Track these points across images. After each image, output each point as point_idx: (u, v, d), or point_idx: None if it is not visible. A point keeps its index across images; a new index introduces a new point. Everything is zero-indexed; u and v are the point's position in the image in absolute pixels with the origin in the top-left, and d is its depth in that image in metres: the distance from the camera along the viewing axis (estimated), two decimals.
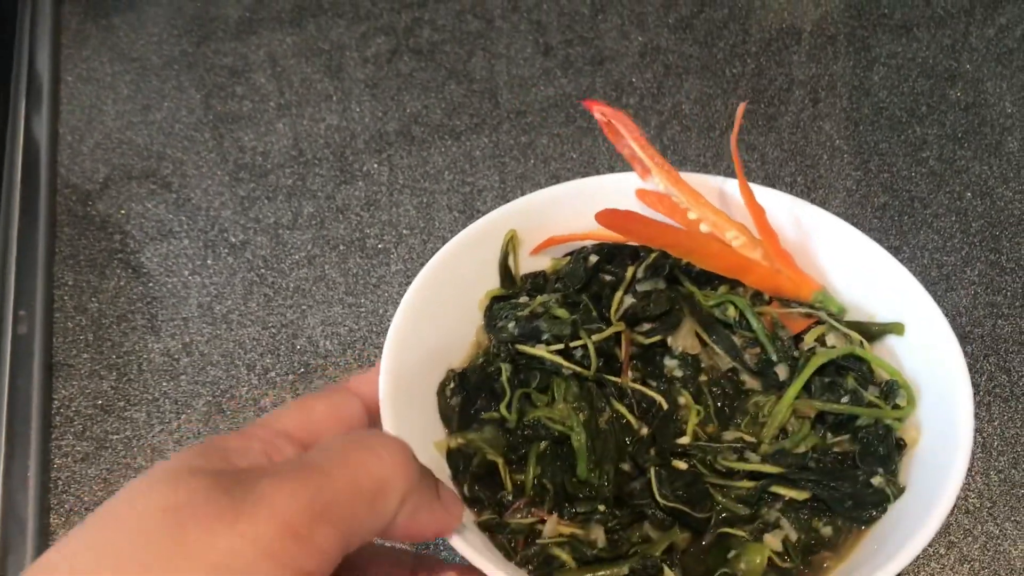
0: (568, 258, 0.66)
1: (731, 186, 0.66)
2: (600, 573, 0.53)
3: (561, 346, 0.60)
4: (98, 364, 0.74)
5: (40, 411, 0.70)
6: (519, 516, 0.55)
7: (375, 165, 0.88)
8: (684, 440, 0.58)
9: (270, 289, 0.78)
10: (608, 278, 0.65)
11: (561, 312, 0.62)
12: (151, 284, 0.79)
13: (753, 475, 0.56)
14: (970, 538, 0.62)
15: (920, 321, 0.59)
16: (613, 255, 0.66)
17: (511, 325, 0.61)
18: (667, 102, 0.92)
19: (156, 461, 0.68)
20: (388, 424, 0.53)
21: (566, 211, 0.66)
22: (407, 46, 1.00)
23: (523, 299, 0.63)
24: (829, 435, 0.58)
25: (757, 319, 0.62)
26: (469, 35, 1.01)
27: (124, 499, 0.40)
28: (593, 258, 0.65)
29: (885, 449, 0.56)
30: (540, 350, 0.60)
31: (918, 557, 0.59)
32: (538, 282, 0.66)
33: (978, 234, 0.79)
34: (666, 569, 0.53)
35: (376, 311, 0.76)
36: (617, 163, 0.83)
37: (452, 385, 0.60)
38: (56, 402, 0.71)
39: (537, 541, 0.54)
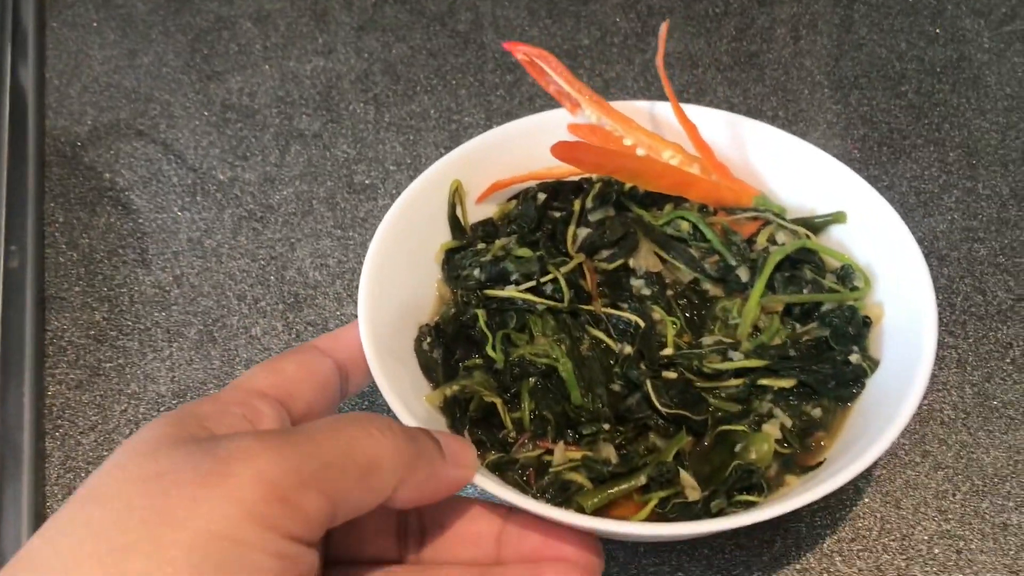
0: (514, 202, 0.68)
1: (661, 108, 0.69)
2: (620, 487, 0.55)
3: (532, 283, 0.62)
4: (90, 296, 0.75)
5: (33, 341, 0.71)
6: (525, 450, 0.57)
7: (361, 104, 0.89)
8: (668, 352, 0.60)
9: (259, 223, 0.79)
10: (558, 214, 0.67)
11: (524, 251, 0.64)
12: (141, 220, 0.80)
13: (739, 373, 0.59)
14: (944, 447, 0.64)
15: (860, 207, 0.63)
16: (558, 192, 0.68)
17: (476, 272, 0.63)
18: (651, 40, 0.93)
19: (148, 387, 0.69)
20: (381, 381, 0.54)
21: (504, 155, 0.67)
22: None
23: (480, 246, 0.65)
24: (798, 325, 0.62)
25: (710, 229, 0.65)
26: None
27: (103, 475, 0.39)
28: (541, 196, 0.67)
29: (854, 328, 0.60)
30: (511, 291, 0.62)
31: (895, 465, 0.61)
32: (488, 229, 0.68)
33: (955, 163, 0.80)
34: (682, 472, 0.55)
35: (364, 244, 0.77)
36: (614, 92, 0.84)
37: (428, 339, 0.61)
38: (49, 333, 0.72)
39: (549, 470, 0.56)
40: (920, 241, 0.60)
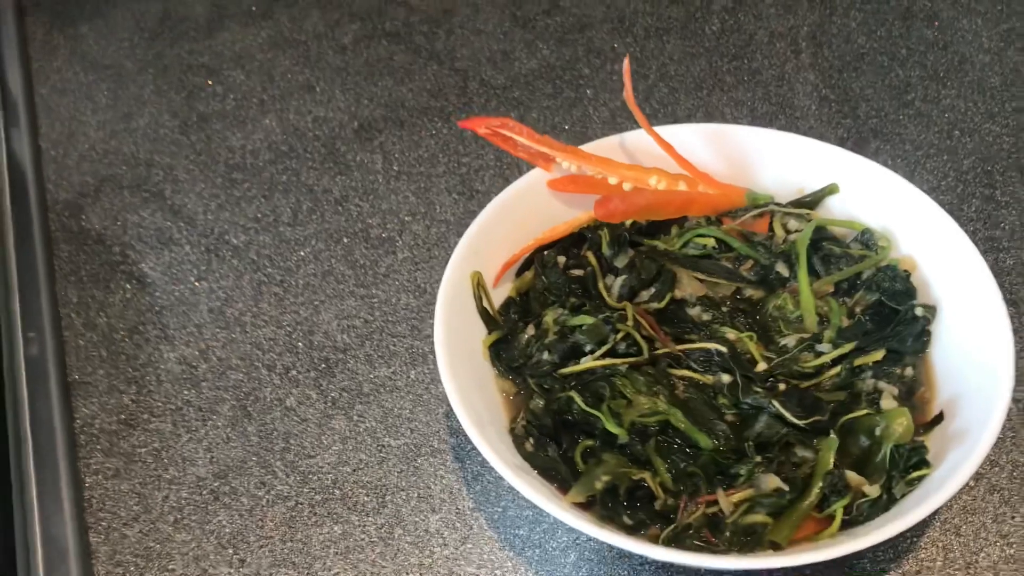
0: (525, 274, 0.68)
1: (632, 137, 0.70)
2: (800, 510, 0.55)
3: (607, 347, 0.61)
4: (115, 379, 0.73)
5: (64, 431, 0.70)
6: (692, 512, 0.56)
7: (368, 154, 0.87)
8: (762, 366, 0.61)
9: (279, 288, 0.78)
10: (578, 272, 0.66)
11: (583, 319, 0.63)
12: (158, 294, 0.78)
13: (834, 362, 0.61)
14: (996, 468, 0.64)
15: (848, 174, 0.68)
16: (566, 250, 0.68)
17: (546, 356, 0.62)
18: (652, 65, 0.92)
19: (187, 470, 0.68)
20: (545, 503, 0.53)
21: (499, 232, 0.67)
22: (383, 29, 0.99)
23: (529, 330, 0.64)
24: (847, 300, 0.64)
25: (731, 237, 0.66)
26: (444, 13, 1.00)
27: None
28: (561, 259, 0.67)
29: (901, 284, 0.63)
30: (591, 362, 0.61)
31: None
32: (517, 309, 0.67)
33: (970, 171, 0.80)
34: (848, 473, 0.56)
35: (389, 300, 0.76)
36: (621, 122, 0.83)
37: (531, 440, 0.60)
38: (79, 421, 0.71)
39: (726, 522, 0.55)
40: None
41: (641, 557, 0.60)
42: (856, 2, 0.96)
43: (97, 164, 0.89)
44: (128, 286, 0.79)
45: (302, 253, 0.80)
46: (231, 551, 0.64)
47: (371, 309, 0.76)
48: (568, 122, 0.88)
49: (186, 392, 0.72)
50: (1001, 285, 0.72)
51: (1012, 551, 0.60)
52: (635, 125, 0.70)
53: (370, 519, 0.65)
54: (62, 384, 0.73)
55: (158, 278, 0.79)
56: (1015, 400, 0.67)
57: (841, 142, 0.83)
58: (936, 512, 0.62)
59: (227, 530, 0.65)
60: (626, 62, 0.67)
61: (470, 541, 0.63)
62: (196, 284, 0.79)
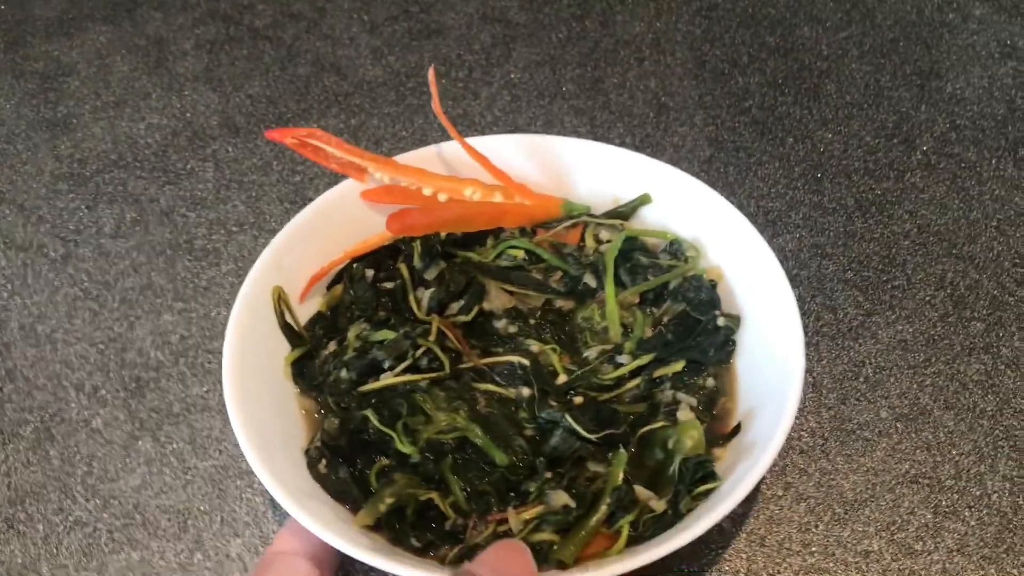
0: (337, 287, 0.66)
1: (449, 148, 0.69)
2: (587, 527, 0.54)
3: (407, 363, 0.60)
4: None
5: None
6: (479, 532, 0.54)
7: (199, 162, 0.85)
8: (562, 379, 0.60)
9: (95, 303, 0.75)
10: (389, 285, 0.65)
11: (384, 334, 0.61)
12: None
13: (633, 373, 0.60)
14: (805, 476, 0.64)
15: (659, 184, 0.67)
16: (378, 263, 0.66)
17: (344, 373, 0.60)
18: (497, 72, 0.91)
19: None
20: (318, 530, 0.51)
21: (309, 244, 0.65)
22: (228, 34, 0.97)
23: (331, 346, 0.62)
24: (654, 309, 0.64)
25: (541, 248, 0.66)
26: (293, 17, 0.98)
27: None
28: (368, 272, 0.66)
29: (706, 294, 0.63)
30: (390, 378, 0.59)
31: (758, 500, 0.61)
32: (324, 324, 0.65)
33: (801, 177, 0.81)
34: (636, 488, 0.55)
35: (208, 315, 0.74)
36: (462, 131, 0.82)
37: (324, 461, 0.58)
38: None
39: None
40: None
41: None
42: (702, 9, 0.96)
43: None
44: None
45: (121, 266, 0.77)
46: None
47: (188, 324, 0.73)
48: (408, 130, 0.87)
49: None
50: (823, 291, 0.73)
51: (814, 560, 0.60)
52: (475, 135, 0.69)
53: (170, 544, 0.62)
54: None
55: None
56: (827, 407, 0.67)
57: (676, 149, 0.83)
58: (742, 522, 0.62)
59: (19, 560, 0.62)
60: (431, 72, 0.66)
61: None
62: (8, 300, 0.75)
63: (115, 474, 0.66)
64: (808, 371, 0.69)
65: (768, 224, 0.77)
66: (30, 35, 0.98)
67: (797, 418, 0.66)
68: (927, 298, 0.73)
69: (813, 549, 0.61)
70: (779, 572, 0.60)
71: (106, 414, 0.69)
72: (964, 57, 0.90)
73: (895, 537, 0.61)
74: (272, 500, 0.63)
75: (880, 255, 0.75)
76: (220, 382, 0.68)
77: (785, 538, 0.61)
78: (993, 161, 0.81)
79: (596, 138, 0.84)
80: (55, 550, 0.62)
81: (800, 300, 0.73)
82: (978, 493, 0.63)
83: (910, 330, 0.71)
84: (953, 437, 0.65)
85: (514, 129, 0.86)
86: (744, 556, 0.61)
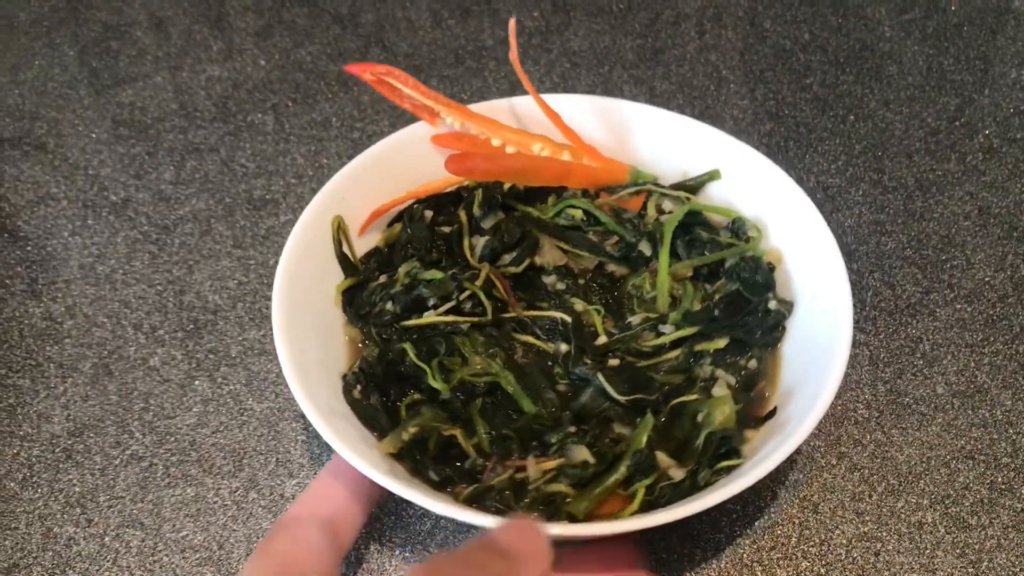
0: (397, 225, 0.67)
1: (522, 103, 0.69)
2: (604, 485, 0.54)
3: (451, 304, 0.60)
4: None
5: None
6: (496, 474, 0.55)
7: (259, 115, 0.85)
8: (602, 340, 0.60)
9: (154, 246, 0.76)
10: (447, 229, 0.66)
11: (433, 273, 0.62)
12: (29, 248, 0.76)
13: (675, 344, 0.60)
14: (859, 447, 0.64)
15: (732, 161, 0.66)
16: (439, 206, 0.67)
17: (389, 305, 0.61)
18: (556, 39, 0.91)
19: (42, 427, 0.66)
20: (339, 446, 0.51)
21: (375, 180, 0.66)
22: None
23: (381, 279, 0.63)
24: (707, 286, 0.63)
25: (601, 211, 0.65)
26: None
27: None
28: (428, 214, 0.66)
29: (762, 276, 0.62)
30: (432, 316, 0.60)
31: (811, 468, 0.61)
32: (379, 259, 0.66)
33: (861, 155, 0.80)
34: (658, 454, 0.55)
35: (266, 262, 0.74)
36: (520, 95, 0.82)
37: (358, 387, 0.59)
38: None
39: (528, 488, 0.54)
40: None
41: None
42: None
43: None
44: None
45: (181, 212, 0.78)
46: (79, 510, 0.62)
47: (246, 271, 0.74)
48: (467, 92, 0.87)
49: (48, 348, 0.70)
50: (881, 267, 0.72)
51: (867, 528, 0.60)
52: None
53: (225, 482, 0.63)
54: None
55: (31, 232, 0.77)
56: (883, 381, 0.67)
57: (736, 122, 0.83)
58: (795, 488, 0.62)
59: (76, 489, 0.63)
60: (511, 24, 0.66)
61: None
62: (69, 239, 0.76)
63: (171, 411, 0.66)
64: (864, 344, 0.69)
65: (827, 200, 0.77)
66: None
67: (853, 390, 0.66)
68: (986, 279, 0.72)
69: (866, 518, 0.61)
70: (831, 539, 0.60)
71: (163, 353, 0.69)
72: None
73: (949, 511, 0.61)
74: (326, 444, 0.64)
75: (940, 235, 0.75)
76: None
77: (838, 506, 0.61)
78: None
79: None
80: (112, 482, 0.63)
81: (858, 275, 0.72)
82: None
83: (968, 309, 0.70)
84: (1011, 416, 0.65)
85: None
86: (796, 522, 0.61)
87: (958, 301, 0.71)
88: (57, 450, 0.65)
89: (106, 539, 0.61)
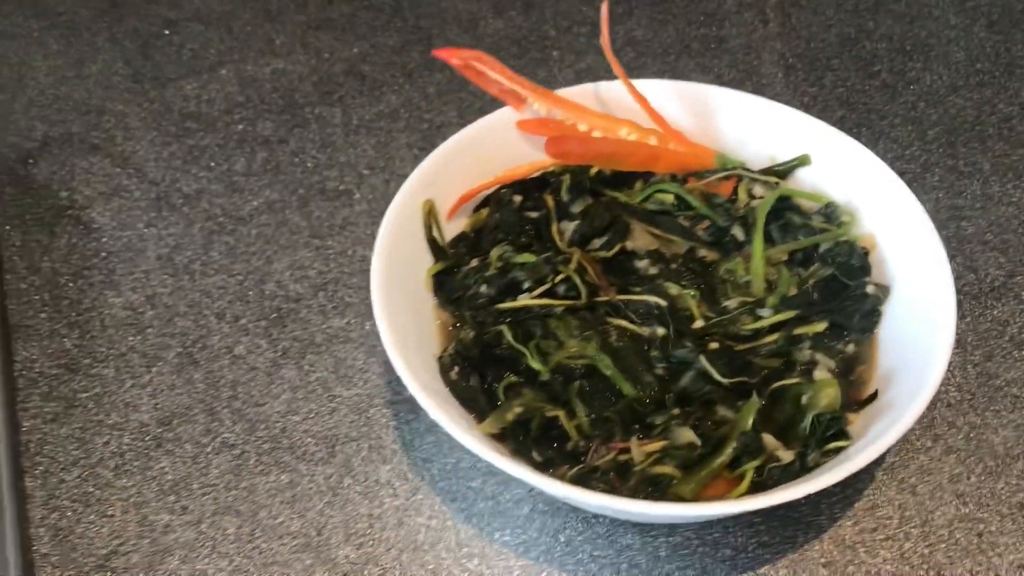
0: (483, 211, 0.67)
1: (607, 88, 0.69)
2: (710, 467, 0.54)
3: (545, 287, 0.60)
4: (57, 323, 0.71)
5: (2, 375, 0.67)
6: (600, 456, 0.55)
7: (327, 107, 0.85)
8: (698, 324, 0.60)
9: (231, 237, 0.76)
10: (535, 214, 0.66)
11: (526, 257, 0.62)
12: (104, 239, 0.76)
13: (773, 328, 0.60)
14: (954, 429, 0.63)
15: (821, 146, 0.66)
16: (526, 191, 0.67)
17: (484, 288, 0.61)
18: (620, 28, 0.91)
19: (130, 416, 0.66)
20: (450, 427, 0.52)
21: (462, 165, 0.66)
22: None
23: (473, 263, 0.63)
24: (801, 271, 0.63)
25: (692, 196, 0.65)
26: None
27: None
28: (517, 198, 0.66)
29: (857, 260, 0.62)
30: (527, 300, 0.60)
31: (907, 451, 0.61)
32: (468, 243, 0.66)
33: (935, 141, 0.80)
34: (765, 436, 0.55)
35: (345, 252, 0.74)
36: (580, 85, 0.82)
37: (456, 369, 0.59)
38: (18, 364, 0.68)
39: (633, 470, 0.54)
40: None
41: (594, 511, 0.59)
42: None
43: (46, 110, 0.86)
44: (74, 231, 0.76)
45: (255, 203, 0.78)
46: (173, 498, 0.62)
47: (326, 260, 0.74)
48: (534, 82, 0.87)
49: (131, 338, 0.70)
50: (962, 251, 0.72)
51: (967, 510, 0.60)
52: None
53: (319, 468, 0.63)
54: (2, 327, 0.70)
55: (105, 224, 0.77)
56: (972, 364, 0.66)
57: (806, 109, 0.82)
58: (892, 471, 0.62)
59: (169, 477, 0.63)
60: (604, 7, 0.66)
61: (421, 492, 0.61)
62: (144, 230, 0.76)
63: (260, 399, 0.66)
64: None
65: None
66: None
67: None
68: None
69: (967, 499, 0.60)
70: (932, 520, 0.60)
71: (248, 342, 0.69)
72: None
73: None
74: (419, 429, 0.64)
75: (1020, 219, 0.75)
76: (361, 315, 0.69)
77: (936, 488, 0.61)
78: None
79: None
80: (205, 470, 0.63)
81: None
82: None
83: None
84: None
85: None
86: (896, 503, 0.60)
87: None
88: (147, 438, 0.65)
89: (202, 526, 0.61)
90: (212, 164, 0.81)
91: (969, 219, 0.75)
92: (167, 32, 0.93)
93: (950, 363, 0.66)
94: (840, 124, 0.81)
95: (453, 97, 0.85)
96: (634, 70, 0.87)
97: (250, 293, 0.72)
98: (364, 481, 0.62)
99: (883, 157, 0.77)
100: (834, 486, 0.60)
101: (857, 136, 0.79)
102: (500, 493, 0.61)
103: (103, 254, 0.75)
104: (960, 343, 0.68)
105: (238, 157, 0.82)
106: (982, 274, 0.71)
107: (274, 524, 0.60)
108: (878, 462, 0.62)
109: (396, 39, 0.91)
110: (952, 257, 0.71)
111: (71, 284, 0.73)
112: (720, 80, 0.86)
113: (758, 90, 0.84)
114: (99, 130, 0.84)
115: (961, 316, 0.69)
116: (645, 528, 0.59)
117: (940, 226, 0.73)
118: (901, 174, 0.76)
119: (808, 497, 0.59)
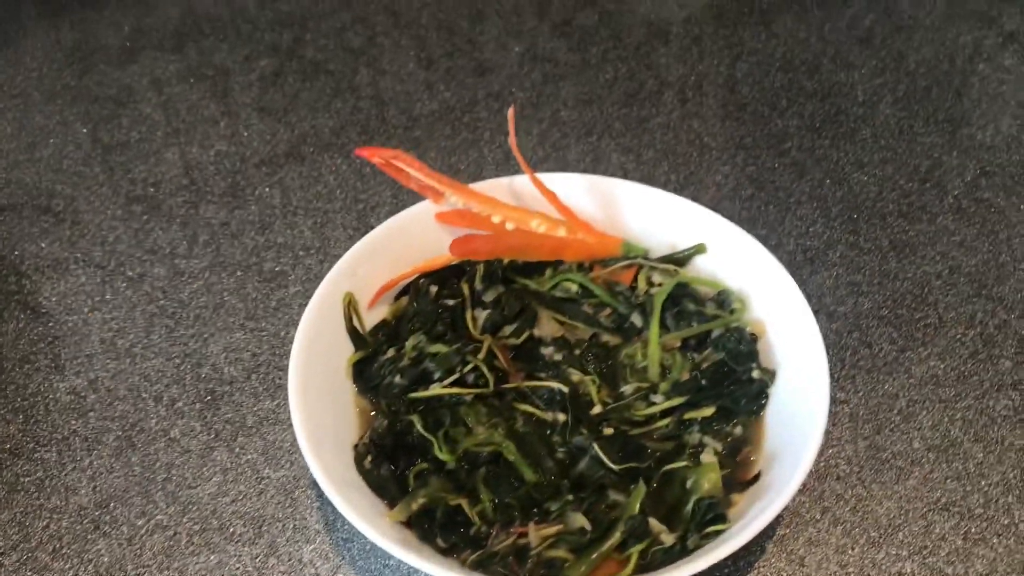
0: (403, 299, 0.71)
1: (521, 181, 0.74)
2: (600, 551, 0.58)
3: (455, 376, 0.64)
4: (3, 408, 0.74)
5: None
6: (499, 541, 0.59)
7: (267, 188, 0.90)
8: (597, 409, 0.64)
9: (171, 320, 0.80)
10: (451, 302, 0.70)
11: (438, 347, 0.66)
12: (51, 323, 0.80)
13: (665, 413, 0.64)
14: (841, 502, 0.68)
15: (717, 237, 0.71)
16: (444, 280, 0.71)
17: (397, 379, 0.66)
18: (547, 109, 0.96)
19: (70, 499, 0.69)
20: (348, 513, 0.56)
21: (382, 257, 0.71)
22: (291, 66, 1.02)
23: (390, 352, 0.67)
24: (695, 355, 0.68)
25: (595, 284, 0.70)
26: (352, 52, 1.03)
27: None
28: (433, 288, 0.71)
29: (745, 346, 0.67)
30: (438, 389, 0.64)
31: (797, 523, 0.65)
32: (388, 332, 0.70)
33: (838, 218, 0.85)
34: (650, 520, 0.59)
35: (278, 334, 0.79)
36: (514, 164, 0.86)
37: (369, 457, 0.63)
38: None
39: (530, 554, 0.59)
40: (808, 298, 0.66)
41: None
42: (743, 53, 1.01)
43: None
44: (22, 315, 0.80)
45: (195, 285, 0.82)
46: None
47: (259, 342, 0.78)
48: (464, 163, 0.92)
49: (73, 422, 0.74)
50: (859, 327, 0.77)
51: None
52: (524, 170, 0.73)
53: (246, 549, 0.67)
54: None
55: (52, 307, 0.81)
56: (863, 437, 0.71)
57: (719, 187, 0.88)
58: (782, 542, 0.66)
59: (105, 559, 0.66)
60: (510, 112, 0.70)
61: (340, 571, 0.65)
62: (89, 315, 0.80)
63: (193, 481, 0.70)
64: (845, 402, 0.73)
65: (807, 262, 0.82)
66: (102, 62, 1.03)
67: (834, 446, 0.70)
68: (958, 336, 0.77)
69: (850, 570, 0.65)
70: None
71: (183, 424, 0.73)
72: (994, 106, 0.95)
73: (927, 561, 0.65)
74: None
75: (913, 294, 0.79)
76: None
77: (823, 559, 0.65)
78: (1021, 207, 0.86)
79: (643, 176, 0.89)
80: (139, 551, 0.67)
81: (837, 335, 0.77)
82: (1006, 522, 0.66)
83: (941, 366, 0.75)
84: (983, 468, 0.69)
85: (564, 165, 0.91)
86: (785, 574, 0.64)
87: (931, 359, 0.75)
88: (85, 521, 0.68)
89: None
90: (155, 247, 0.85)
91: (866, 295, 0.79)
92: (118, 115, 0.97)
93: (841, 437, 0.71)
94: (750, 202, 0.86)
95: (387, 178, 0.90)
96: (559, 150, 0.92)
97: (187, 376, 0.76)
98: (288, 561, 0.66)
99: (788, 234, 0.83)
100: (723, 560, 0.64)
101: (765, 214, 0.85)
102: (415, 571, 0.65)
103: (49, 338, 0.79)
104: (852, 417, 0.72)
105: (181, 240, 0.86)
106: (876, 349, 0.76)
107: None
108: (768, 534, 0.66)
109: (336, 119, 0.96)
110: (849, 332, 0.77)
111: (17, 369, 0.77)
112: (639, 159, 0.91)
113: (674, 169, 0.89)
114: (48, 213, 0.88)
115: (855, 391, 0.74)
116: None
117: (839, 302, 0.78)
118: (804, 251, 0.82)
119: (700, 572, 0.63)
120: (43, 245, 0.86)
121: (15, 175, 0.92)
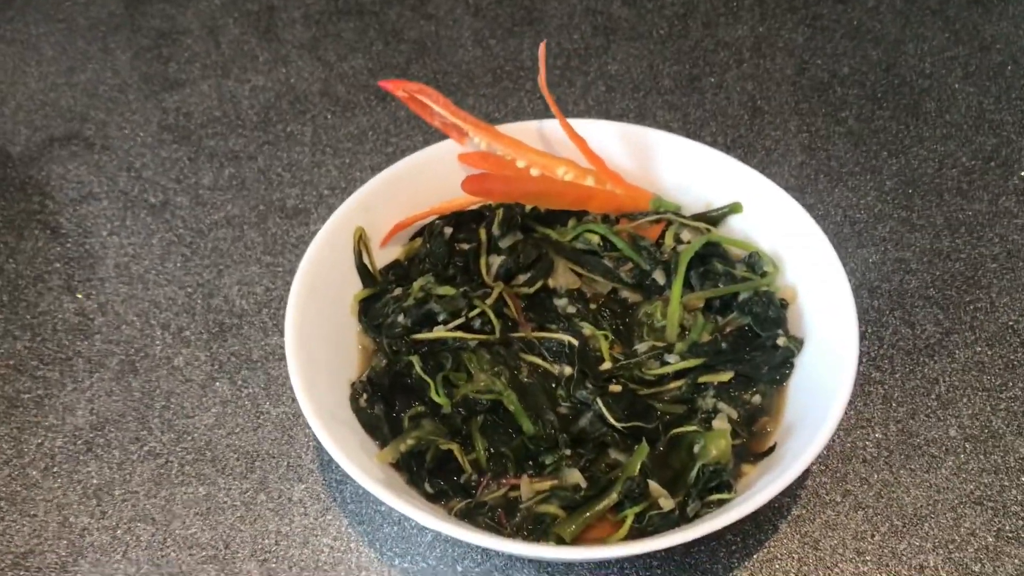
0: (419, 240, 0.68)
1: (551, 126, 0.70)
2: (594, 510, 0.55)
3: (460, 320, 0.61)
4: (12, 324, 0.73)
5: None
6: (490, 491, 0.56)
7: (299, 126, 0.87)
8: (606, 365, 0.61)
9: (188, 248, 0.78)
10: (466, 246, 0.67)
11: (445, 289, 0.63)
12: (69, 244, 0.79)
13: (679, 374, 0.60)
14: (866, 486, 0.63)
15: (755, 196, 0.66)
16: (461, 223, 0.68)
17: (400, 318, 0.63)
18: (594, 62, 0.92)
19: (66, 419, 0.68)
20: (332, 448, 0.53)
21: (400, 194, 0.68)
22: (336, 6, 0.99)
23: (396, 291, 0.64)
24: (719, 318, 0.64)
25: (618, 238, 0.66)
26: None
27: None
28: (447, 230, 0.67)
29: (773, 312, 0.62)
30: (441, 332, 0.61)
31: (814, 504, 0.61)
32: (398, 272, 0.67)
33: (891, 192, 0.80)
34: (651, 483, 0.55)
35: (293, 270, 0.75)
36: (548, 116, 0.83)
37: (365, 396, 0.61)
38: None
39: (520, 507, 0.56)
40: (851, 272, 0.62)
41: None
42: (806, 18, 0.95)
43: (32, 115, 0.89)
44: (41, 235, 0.79)
45: (216, 216, 0.80)
46: (95, 502, 0.64)
47: (274, 277, 0.76)
48: (502, 111, 0.88)
49: (79, 343, 0.72)
50: (902, 306, 0.72)
51: (867, 569, 0.60)
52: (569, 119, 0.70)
53: (236, 483, 0.64)
54: None
55: (72, 229, 0.80)
56: (895, 420, 0.66)
57: (768, 153, 0.83)
58: (797, 523, 0.62)
59: (95, 481, 0.65)
60: (542, 47, 0.67)
61: (330, 513, 0.63)
62: (107, 238, 0.79)
63: (191, 411, 0.68)
64: (880, 383, 0.68)
65: (853, 235, 0.77)
66: None
67: (863, 427, 0.65)
68: (1010, 323, 0.71)
69: (867, 558, 0.60)
70: None
71: (188, 354, 0.71)
72: None
73: (952, 555, 0.60)
74: None
75: (965, 275, 0.74)
76: None
77: (839, 544, 0.61)
78: None
79: (688, 135, 0.84)
80: (128, 476, 0.65)
81: (878, 313, 0.72)
82: None
83: (989, 353, 0.70)
84: None
85: (606, 118, 0.87)
86: (796, 557, 0.60)
87: (979, 344, 0.70)
88: (79, 442, 0.67)
89: (118, 531, 0.63)
90: (181, 176, 0.83)
91: (914, 273, 0.74)
92: (159, 45, 0.96)
93: (872, 418, 0.66)
94: (799, 170, 0.81)
95: (421, 122, 0.87)
96: (602, 104, 0.88)
97: (197, 306, 0.74)
98: (277, 498, 0.64)
99: (837, 205, 0.78)
100: (733, 535, 0.61)
101: (815, 183, 0.80)
102: (406, 519, 0.62)
103: (65, 259, 0.78)
104: (886, 399, 0.67)
105: (207, 171, 0.84)
106: (919, 330, 0.71)
107: (186, 534, 0.62)
108: (783, 514, 0.62)
109: (376, 62, 0.93)
110: (891, 311, 0.72)
111: (31, 287, 0.76)
112: (686, 119, 0.86)
113: (722, 130, 0.85)
114: (79, 137, 0.87)
115: (891, 372, 0.69)
116: (542, 565, 0.60)
117: (884, 278, 0.74)
118: (852, 223, 0.77)
119: (706, 545, 0.60)
120: (70, 167, 0.84)
121: (51, 97, 0.91)
